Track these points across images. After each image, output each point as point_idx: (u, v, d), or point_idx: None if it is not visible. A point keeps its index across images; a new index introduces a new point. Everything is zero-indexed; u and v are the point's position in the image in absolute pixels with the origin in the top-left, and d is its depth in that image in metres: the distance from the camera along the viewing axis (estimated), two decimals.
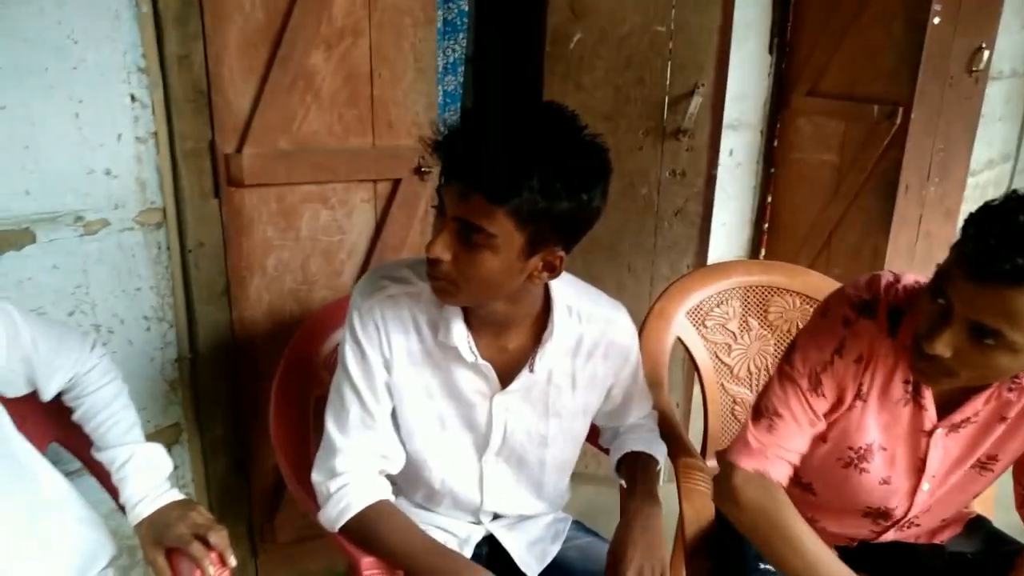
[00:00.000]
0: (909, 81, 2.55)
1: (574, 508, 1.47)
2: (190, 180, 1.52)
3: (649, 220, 2.27)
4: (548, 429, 1.28)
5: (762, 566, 1.29)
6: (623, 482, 1.36)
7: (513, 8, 2.54)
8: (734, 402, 1.76)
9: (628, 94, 2.16)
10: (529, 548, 1.35)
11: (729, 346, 1.74)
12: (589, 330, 1.24)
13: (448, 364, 1.20)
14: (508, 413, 1.25)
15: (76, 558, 1.18)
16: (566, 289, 1.22)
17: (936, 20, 2.50)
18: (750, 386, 1.76)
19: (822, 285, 1.72)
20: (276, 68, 1.56)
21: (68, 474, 1.23)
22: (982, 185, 3.95)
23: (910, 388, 1.16)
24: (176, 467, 1.29)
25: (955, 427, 1.17)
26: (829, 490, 1.27)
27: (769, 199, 3.00)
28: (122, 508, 1.20)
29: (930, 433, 1.18)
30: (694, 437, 1.65)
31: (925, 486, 1.22)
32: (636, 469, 1.34)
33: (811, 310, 1.68)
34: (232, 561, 1.15)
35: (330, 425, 1.21)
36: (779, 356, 1.73)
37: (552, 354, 1.21)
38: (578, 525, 1.44)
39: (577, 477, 1.43)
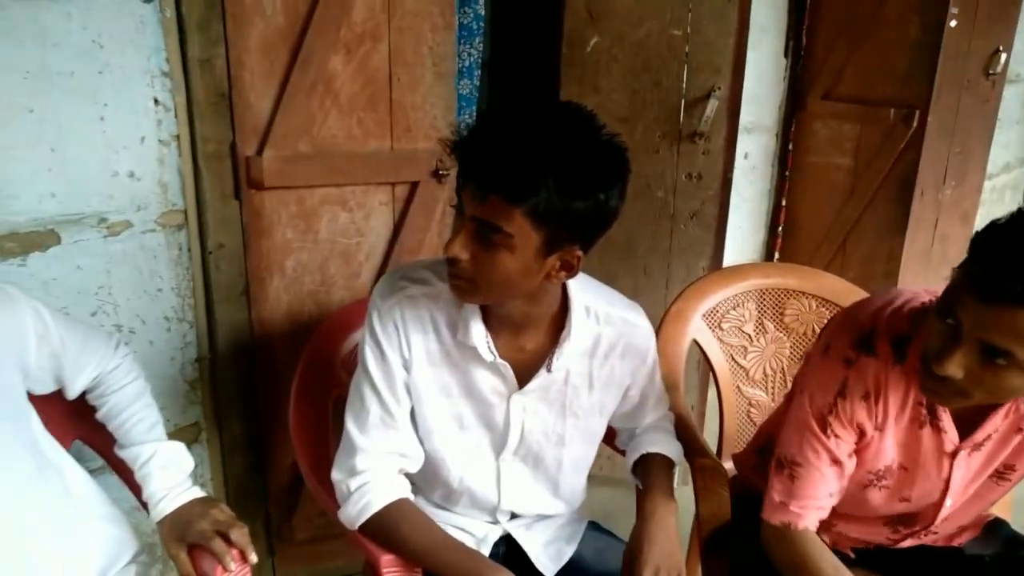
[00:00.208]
0: (925, 84, 2.54)
1: (590, 510, 1.47)
2: (211, 182, 1.54)
3: (665, 222, 2.26)
4: (565, 429, 1.29)
5: None
6: (639, 483, 1.36)
7: (529, 12, 2.55)
8: (750, 404, 1.76)
9: (644, 97, 2.16)
10: (545, 548, 1.36)
11: (745, 348, 1.75)
12: (607, 331, 1.25)
13: (466, 364, 1.21)
14: (525, 413, 1.25)
15: (99, 554, 1.20)
16: (584, 290, 1.22)
17: (953, 23, 2.48)
18: (766, 388, 1.76)
19: (838, 288, 1.72)
20: (296, 72, 1.58)
21: (90, 472, 1.25)
22: (999, 189, 3.92)
23: (924, 410, 1.15)
24: (195, 466, 1.32)
25: (978, 446, 1.16)
26: (848, 503, 1.26)
27: (784, 202, 2.99)
28: (144, 505, 1.21)
29: (953, 455, 1.16)
30: (709, 439, 1.65)
31: (948, 502, 1.22)
32: (652, 470, 1.34)
33: (827, 313, 1.69)
34: (253, 558, 1.16)
35: (350, 424, 1.22)
36: (795, 359, 1.74)
37: (569, 354, 1.22)
38: (594, 526, 1.44)
39: (593, 479, 1.43)
